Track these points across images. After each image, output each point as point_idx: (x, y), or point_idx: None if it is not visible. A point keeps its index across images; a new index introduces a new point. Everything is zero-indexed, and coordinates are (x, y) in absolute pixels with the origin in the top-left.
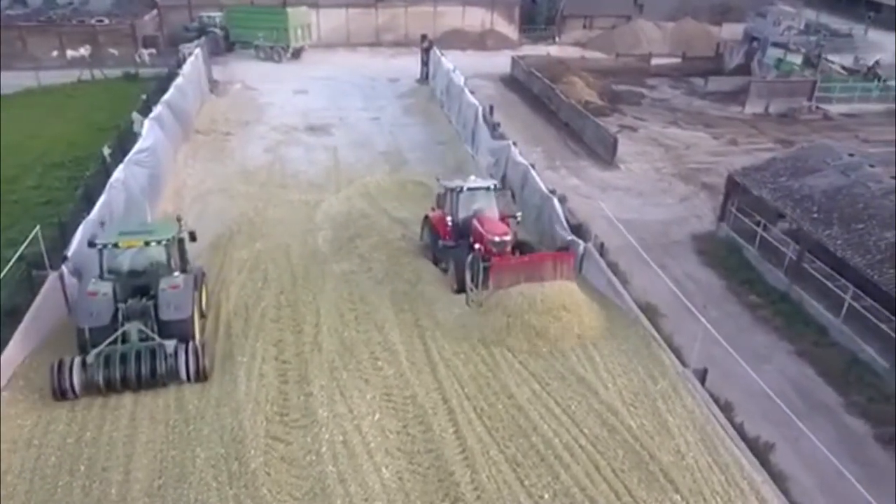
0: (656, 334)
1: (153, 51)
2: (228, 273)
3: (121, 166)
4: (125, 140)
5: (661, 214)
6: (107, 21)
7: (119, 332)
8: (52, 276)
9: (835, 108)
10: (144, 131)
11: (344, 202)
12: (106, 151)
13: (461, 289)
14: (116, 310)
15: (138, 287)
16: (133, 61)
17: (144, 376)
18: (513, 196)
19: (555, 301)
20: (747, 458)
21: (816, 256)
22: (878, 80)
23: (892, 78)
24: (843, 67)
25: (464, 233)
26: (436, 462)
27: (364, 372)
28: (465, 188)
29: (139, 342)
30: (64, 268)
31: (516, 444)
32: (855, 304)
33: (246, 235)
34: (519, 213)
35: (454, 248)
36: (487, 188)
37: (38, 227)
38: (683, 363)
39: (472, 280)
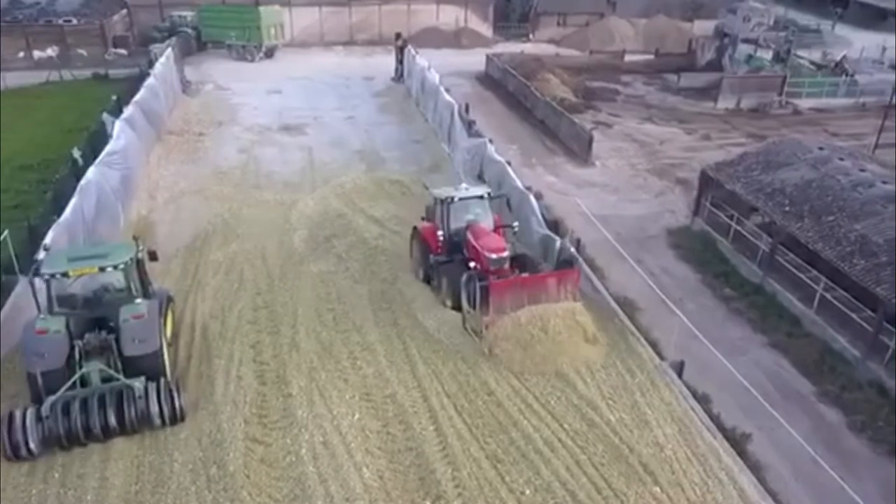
0: (634, 328)
1: (123, 51)
2: (204, 275)
3: (92, 168)
4: (96, 142)
5: (637, 210)
6: (75, 21)
7: (77, 375)
8: (23, 281)
9: (804, 103)
10: (115, 132)
11: (320, 202)
12: (76, 153)
13: (456, 308)
14: (72, 348)
15: (95, 319)
16: (103, 62)
17: (111, 424)
18: (508, 204)
19: (563, 330)
20: (725, 448)
21: (789, 249)
22: (846, 75)
23: (859, 72)
24: (812, 63)
25: (457, 246)
26: (417, 460)
27: (343, 372)
28: (456, 198)
29: (101, 384)
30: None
31: (497, 440)
32: (827, 295)
33: (221, 237)
34: (516, 223)
35: (447, 264)
36: (481, 196)
37: (6, 232)
38: (661, 356)
39: (469, 302)
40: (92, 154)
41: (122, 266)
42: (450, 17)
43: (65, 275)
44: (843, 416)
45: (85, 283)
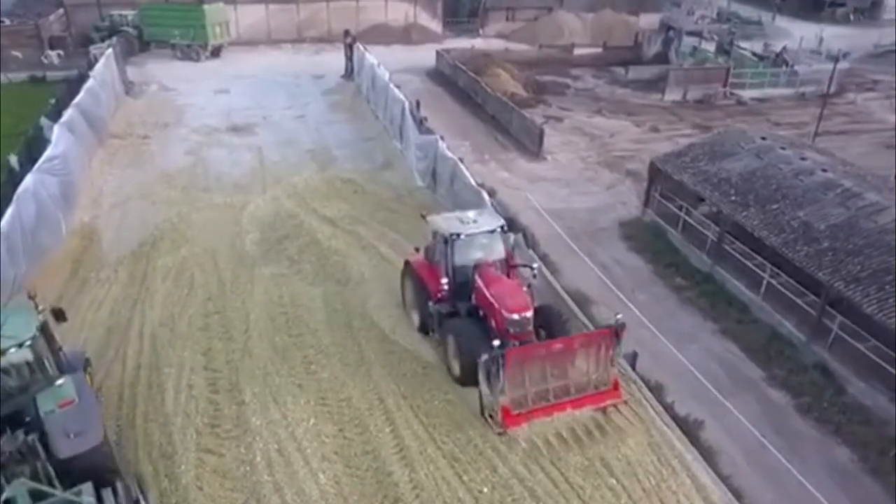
0: (588, 322)
1: (61, 52)
2: (152, 282)
3: (29, 175)
4: (34, 147)
5: (588, 203)
6: (8, 22)
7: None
8: None
9: (747, 94)
10: (54, 137)
11: (271, 203)
12: (13, 160)
13: (464, 382)
14: None
15: (5, 419)
16: (39, 64)
17: None
18: (525, 238)
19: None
20: (678, 436)
21: (736, 237)
22: (786, 66)
23: (798, 63)
24: (754, 54)
25: (461, 287)
26: (373, 463)
27: (297, 377)
28: (463, 234)
29: None
30: None
31: (453, 439)
32: (773, 282)
33: (170, 242)
34: (536, 265)
35: (453, 317)
36: (492, 231)
37: None
38: None
39: (489, 383)
40: (30, 160)
41: (28, 342)
42: (399, 13)
43: None
44: (791, 398)
45: None
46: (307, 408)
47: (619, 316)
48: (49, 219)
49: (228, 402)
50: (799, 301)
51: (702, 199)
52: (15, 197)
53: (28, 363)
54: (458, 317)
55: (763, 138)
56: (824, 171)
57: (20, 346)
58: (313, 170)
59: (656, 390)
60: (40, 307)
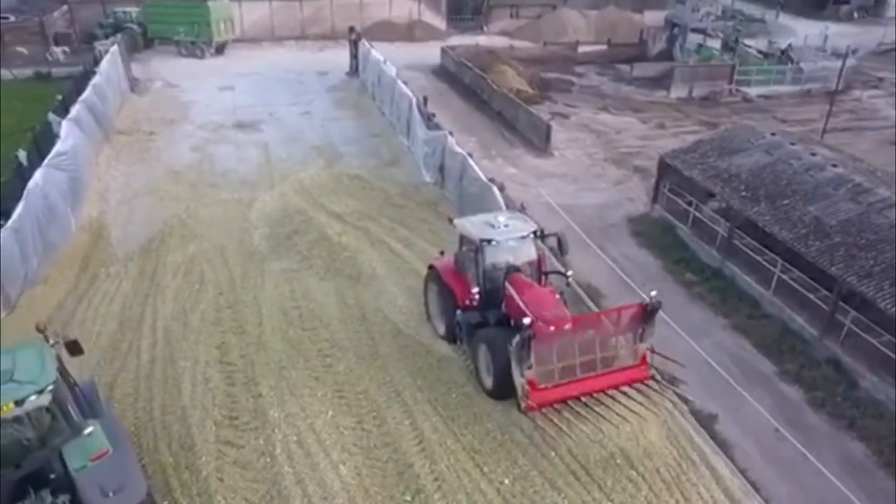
0: None
1: (66, 48)
2: (162, 277)
3: (39, 171)
4: (42, 143)
5: (597, 199)
6: (12, 18)
7: None
8: None
9: (753, 91)
10: (63, 133)
11: (279, 199)
12: (21, 155)
13: (502, 391)
14: None
15: (24, 479)
16: (45, 60)
17: None
18: (559, 244)
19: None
20: (696, 430)
21: (746, 233)
22: (791, 63)
23: (803, 60)
24: (759, 51)
25: (491, 295)
26: (393, 455)
27: (314, 370)
28: (494, 240)
29: None
30: None
31: (472, 431)
32: (784, 277)
33: (178, 238)
34: (570, 272)
35: (483, 327)
36: (524, 236)
37: None
38: None
39: (523, 374)
40: (38, 156)
41: (50, 388)
42: (403, 10)
43: None
44: (803, 393)
45: None
46: (324, 400)
47: (654, 293)
48: (58, 214)
49: (245, 395)
50: (811, 296)
51: (711, 195)
52: (25, 192)
53: (46, 408)
54: (488, 326)
55: (773, 134)
56: (834, 166)
57: (40, 392)
58: (320, 166)
59: (671, 384)
60: (51, 341)
